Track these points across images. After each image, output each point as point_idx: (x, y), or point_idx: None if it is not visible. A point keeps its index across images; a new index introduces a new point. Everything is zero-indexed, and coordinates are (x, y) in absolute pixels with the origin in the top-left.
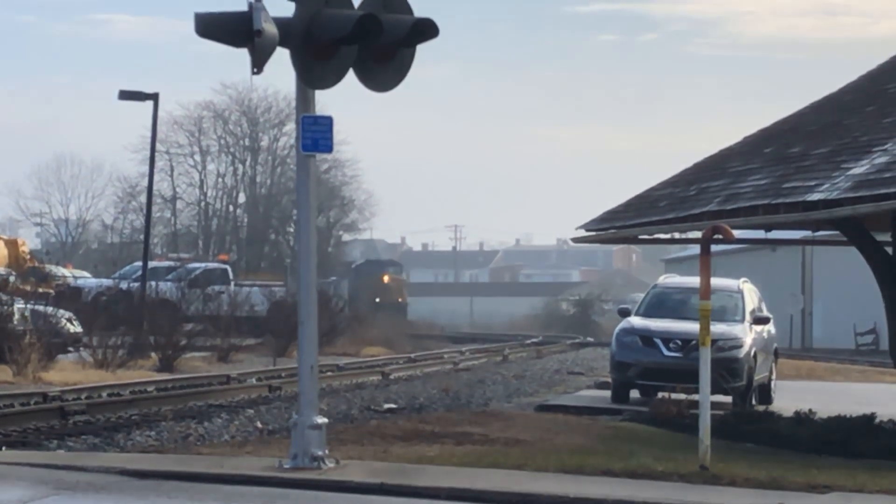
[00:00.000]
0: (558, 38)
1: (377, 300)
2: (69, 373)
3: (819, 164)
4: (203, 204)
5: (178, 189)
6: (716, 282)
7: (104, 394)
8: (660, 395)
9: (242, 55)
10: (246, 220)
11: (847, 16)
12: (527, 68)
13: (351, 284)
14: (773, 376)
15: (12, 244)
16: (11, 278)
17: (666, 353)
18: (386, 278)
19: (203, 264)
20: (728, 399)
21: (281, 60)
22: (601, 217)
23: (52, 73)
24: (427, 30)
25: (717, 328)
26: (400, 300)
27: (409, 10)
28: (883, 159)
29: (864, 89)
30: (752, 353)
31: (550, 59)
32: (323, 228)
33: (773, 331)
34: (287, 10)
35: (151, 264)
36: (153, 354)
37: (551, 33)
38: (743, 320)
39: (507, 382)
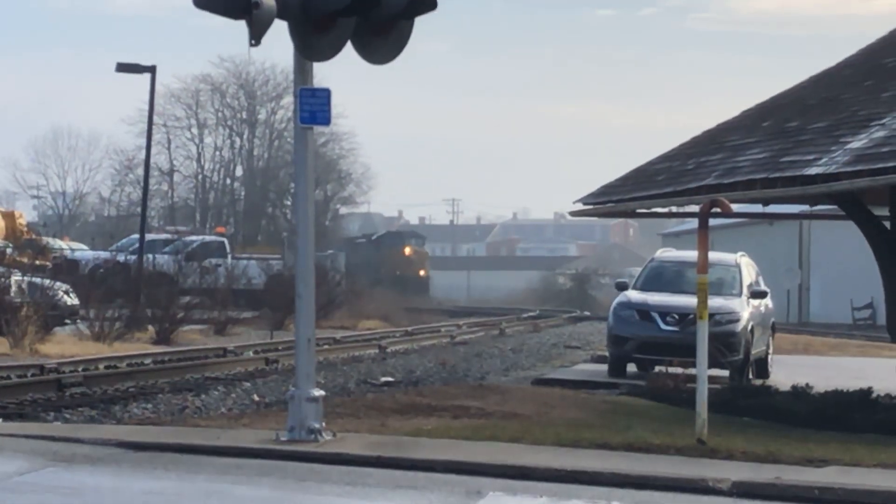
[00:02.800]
0: (556, 13)
1: (398, 273)
2: (66, 345)
3: (817, 138)
4: (200, 177)
5: (175, 162)
6: (713, 256)
7: (101, 366)
8: (657, 369)
9: (240, 28)
10: (243, 193)
11: None
12: (524, 43)
13: (370, 257)
14: (771, 350)
15: (9, 216)
16: (8, 251)
17: (663, 327)
18: (408, 250)
19: (200, 237)
20: (725, 373)
21: (279, 33)
22: (599, 191)
23: (51, 46)
24: (425, 2)
25: (715, 302)
26: (422, 273)
27: None
28: (881, 133)
29: (863, 64)
30: (750, 328)
31: (548, 33)
32: (320, 202)
33: (770, 305)
34: None
35: (148, 237)
36: (150, 327)
37: (549, 8)
38: (740, 294)
39: (504, 356)
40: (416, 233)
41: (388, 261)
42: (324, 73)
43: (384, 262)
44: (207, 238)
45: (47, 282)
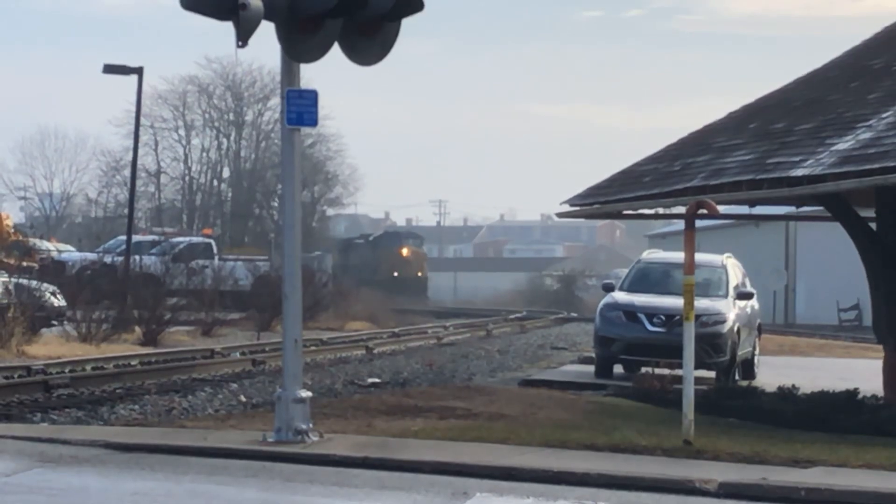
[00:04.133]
0: (542, 14)
1: (395, 274)
2: (53, 346)
3: (803, 139)
4: (187, 178)
5: (162, 163)
6: (700, 257)
7: (88, 367)
8: (643, 370)
9: (227, 29)
10: (230, 194)
11: None
12: (511, 44)
13: (367, 257)
14: (757, 351)
15: None
16: None
17: (649, 328)
18: (405, 251)
19: (187, 238)
20: (711, 374)
21: (266, 34)
22: (586, 192)
23: (37, 47)
24: (411, 4)
25: (701, 303)
26: (420, 274)
27: None
28: (867, 135)
29: (849, 65)
30: (736, 329)
31: (535, 35)
32: (307, 203)
33: (756, 306)
34: None
35: (135, 238)
36: (137, 328)
37: (535, 9)
38: (726, 295)
39: (490, 357)
40: (415, 233)
41: (386, 262)
42: (310, 75)
43: (382, 262)
44: (194, 239)
45: (34, 283)
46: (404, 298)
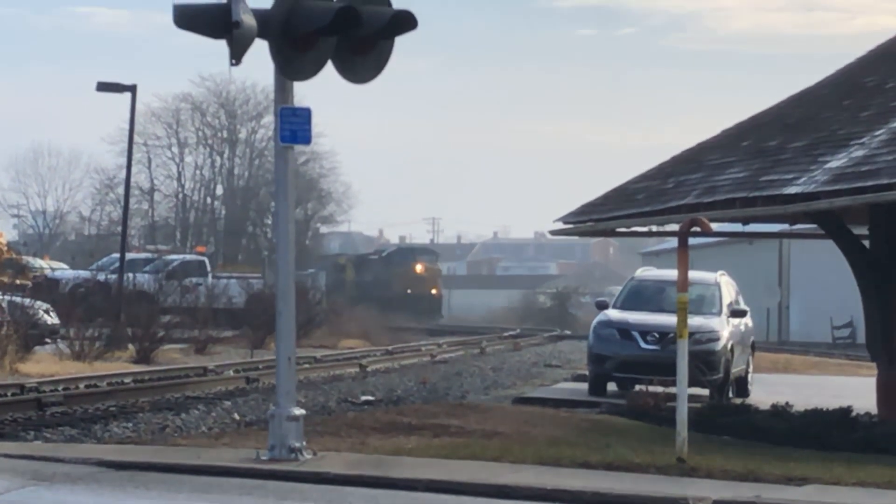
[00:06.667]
0: (536, 32)
1: (409, 292)
2: (46, 364)
3: (796, 157)
4: (181, 196)
5: (155, 181)
6: (693, 274)
7: (81, 385)
8: (637, 387)
9: (221, 47)
10: (223, 212)
11: (824, 11)
12: (504, 62)
13: (380, 274)
14: (750, 369)
15: None
16: None
17: (643, 345)
18: (419, 268)
19: (180, 256)
20: (705, 392)
21: (259, 52)
22: (579, 210)
23: (31, 65)
24: (406, 22)
25: (694, 321)
26: (434, 292)
27: (387, 2)
28: (860, 153)
29: (842, 83)
30: (729, 346)
31: (528, 52)
32: (301, 221)
33: (750, 324)
34: (266, 1)
35: (129, 256)
36: (130, 346)
37: (529, 27)
38: (720, 313)
39: (484, 375)
40: (429, 248)
41: (399, 278)
42: (304, 93)
43: (394, 279)
44: (188, 257)
45: (27, 301)
46: (416, 317)
